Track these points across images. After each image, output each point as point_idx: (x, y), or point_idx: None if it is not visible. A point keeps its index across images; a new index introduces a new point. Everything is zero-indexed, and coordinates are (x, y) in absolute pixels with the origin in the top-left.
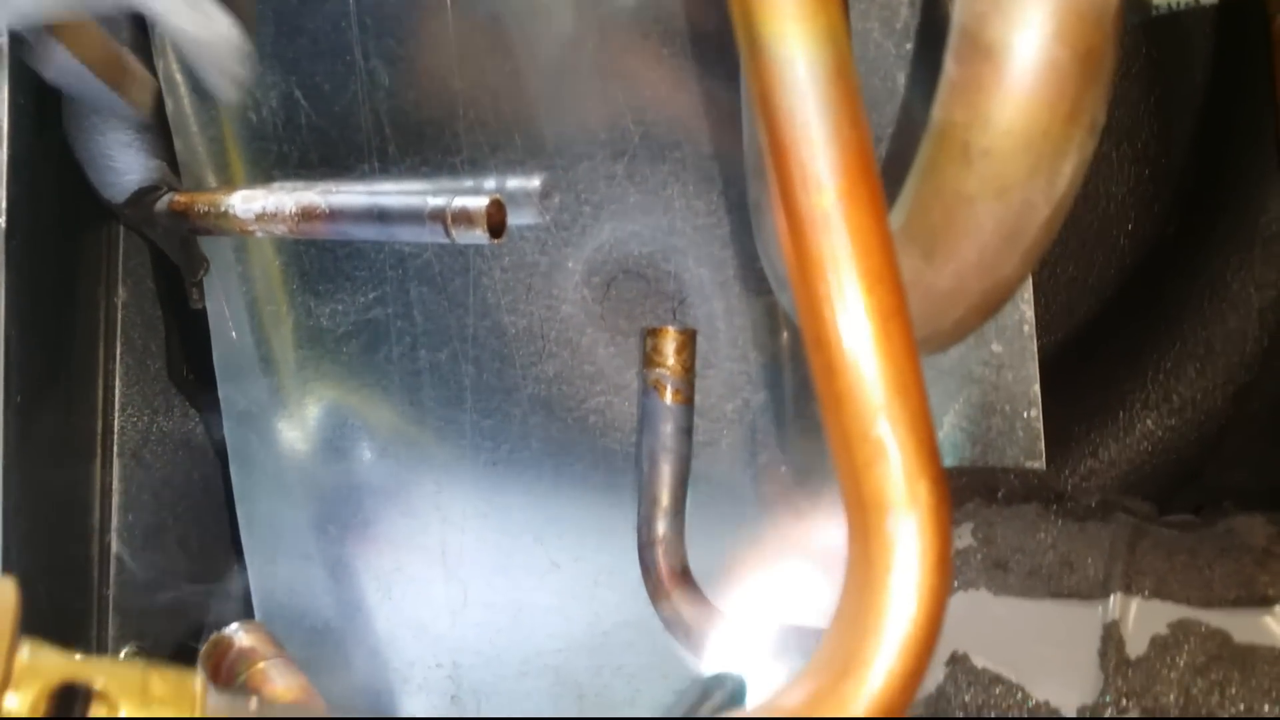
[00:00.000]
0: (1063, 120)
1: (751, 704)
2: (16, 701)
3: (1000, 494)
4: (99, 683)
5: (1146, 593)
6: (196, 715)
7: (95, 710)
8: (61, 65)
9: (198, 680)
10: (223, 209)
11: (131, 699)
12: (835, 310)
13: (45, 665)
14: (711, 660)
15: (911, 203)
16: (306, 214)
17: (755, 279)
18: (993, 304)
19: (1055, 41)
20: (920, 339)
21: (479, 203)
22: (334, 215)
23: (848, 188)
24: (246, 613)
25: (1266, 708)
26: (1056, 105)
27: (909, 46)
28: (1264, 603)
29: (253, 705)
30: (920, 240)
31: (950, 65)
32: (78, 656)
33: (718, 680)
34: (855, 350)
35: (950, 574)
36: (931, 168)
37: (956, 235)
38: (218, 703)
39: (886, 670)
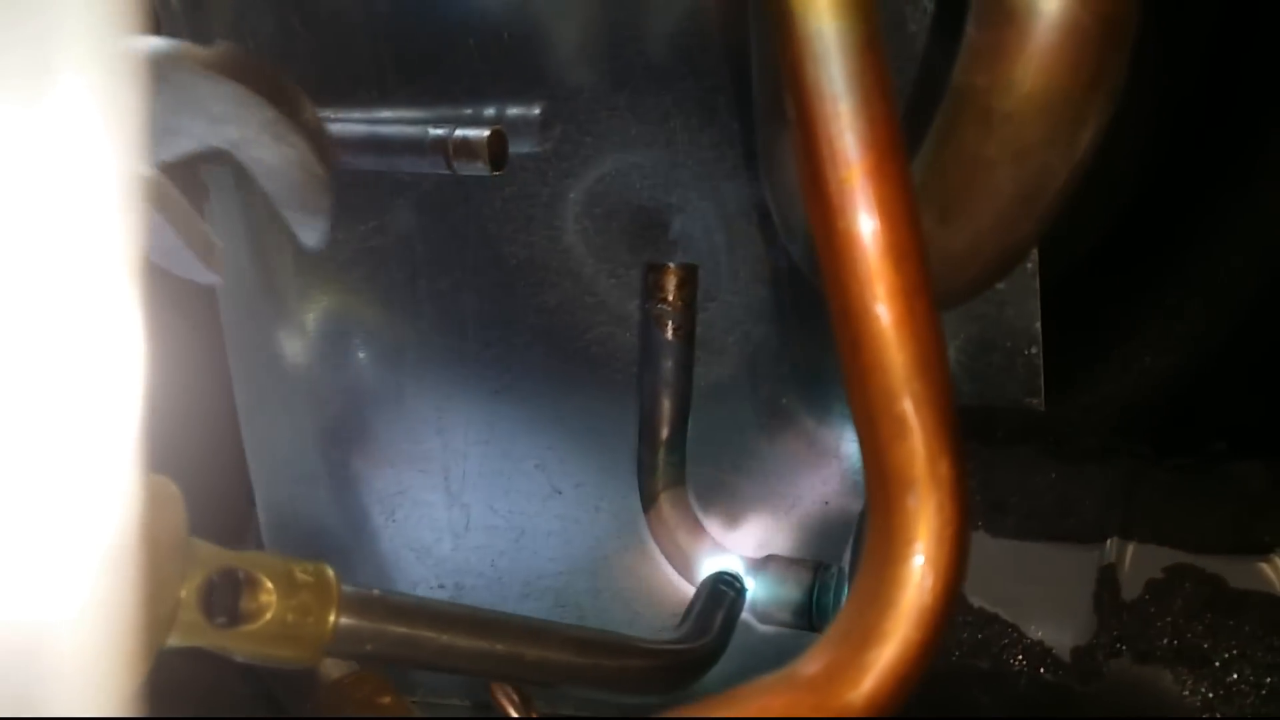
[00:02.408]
0: (1085, 85)
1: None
2: (186, 588)
3: (999, 434)
4: (253, 570)
5: (1143, 537)
6: (335, 597)
7: (251, 594)
8: (153, 229)
9: (329, 569)
10: None
11: (281, 583)
12: (860, 286)
13: (204, 555)
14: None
15: (929, 165)
16: None
17: (757, 212)
18: (1007, 265)
19: (1080, 6)
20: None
21: (480, 134)
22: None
23: (875, 164)
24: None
25: (1259, 653)
26: (1079, 70)
27: (929, 8)
28: (1260, 550)
29: (375, 590)
30: (937, 202)
31: (973, 29)
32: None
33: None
34: (880, 327)
35: (968, 549)
36: (950, 131)
37: (974, 198)
38: (349, 588)
39: (905, 641)
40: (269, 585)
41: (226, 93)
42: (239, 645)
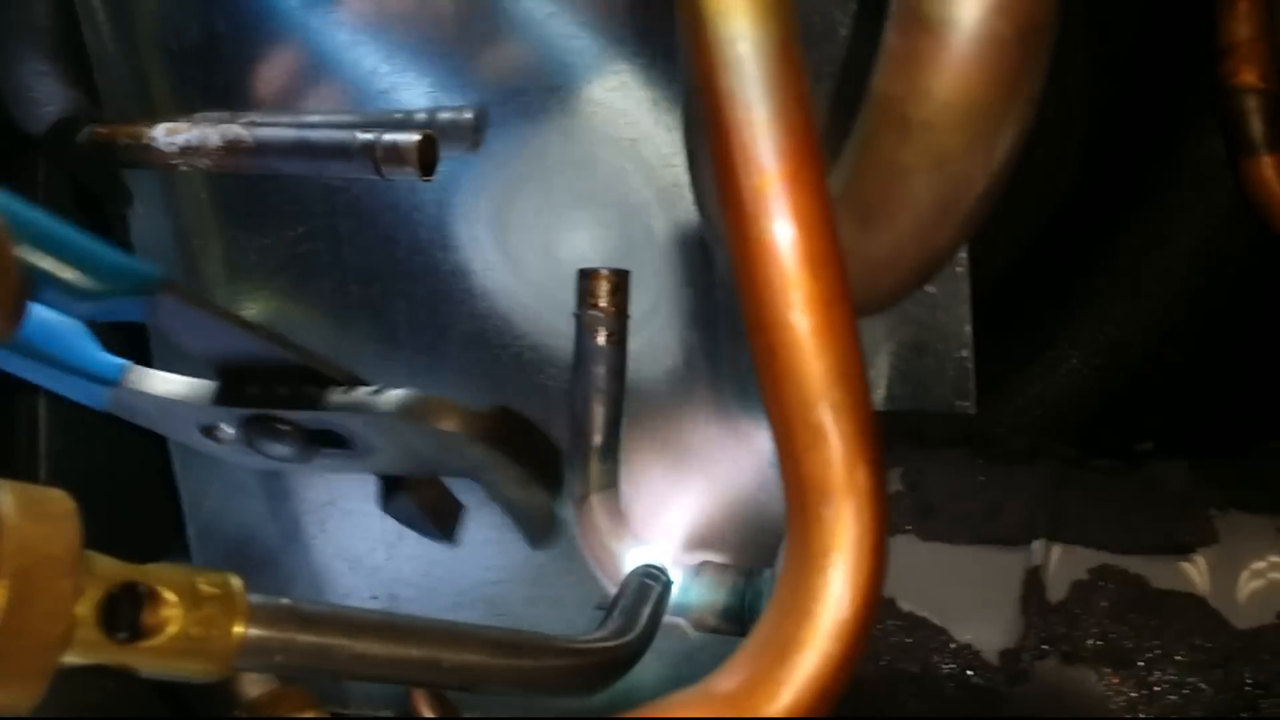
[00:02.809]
0: (1003, 94)
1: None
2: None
3: (929, 437)
4: (154, 584)
5: (1069, 538)
6: (241, 609)
7: (154, 607)
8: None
9: (236, 579)
10: (145, 141)
11: (184, 596)
12: (775, 294)
13: (103, 570)
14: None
15: (849, 172)
16: (231, 148)
17: (690, 214)
18: (928, 272)
19: (997, 16)
20: (856, 305)
21: (410, 139)
22: (260, 150)
23: (791, 171)
24: (180, 544)
25: (1182, 653)
26: (997, 79)
27: (852, 12)
28: (1182, 549)
29: (285, 600)
30: (857, 209)
31: (891, 36)
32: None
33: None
34: (797, 335)
35: (886, 559)
36: (869, 138)
37: (893, 206)
38: (256, 598)
39: (823, 654)
40: (171, 598)
41: (485, 454)
42: (141, 661)
